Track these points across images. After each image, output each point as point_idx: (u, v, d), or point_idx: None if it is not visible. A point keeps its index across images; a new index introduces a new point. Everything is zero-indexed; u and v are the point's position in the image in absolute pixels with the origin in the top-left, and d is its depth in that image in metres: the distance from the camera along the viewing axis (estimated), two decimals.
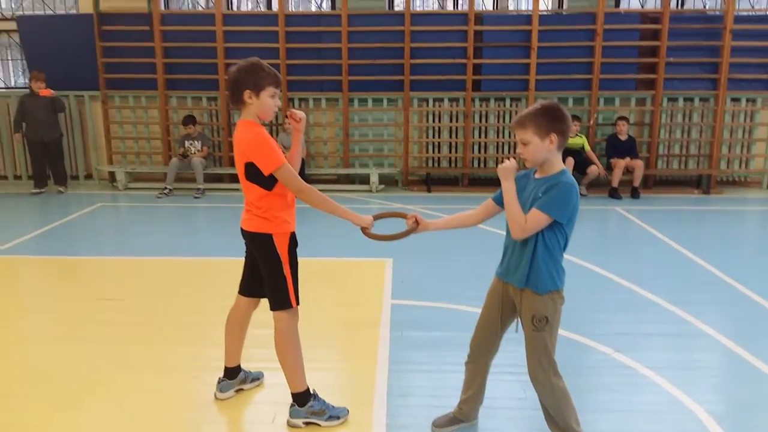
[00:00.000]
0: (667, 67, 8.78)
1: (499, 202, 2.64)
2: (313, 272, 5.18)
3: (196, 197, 8.47)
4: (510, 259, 2.60)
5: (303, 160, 8.89)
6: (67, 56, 9.17)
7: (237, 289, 3.11)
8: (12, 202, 8.38)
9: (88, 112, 9.51)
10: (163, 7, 9.29)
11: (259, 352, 3.52)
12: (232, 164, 9.37)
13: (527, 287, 2.53)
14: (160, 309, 4.46)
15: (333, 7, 9.43)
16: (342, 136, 9.20)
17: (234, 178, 9.29)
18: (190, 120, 8.84)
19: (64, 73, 9.11)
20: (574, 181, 2.47)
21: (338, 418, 2.93)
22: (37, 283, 5.29)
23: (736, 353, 3.76)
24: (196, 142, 8.88)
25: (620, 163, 8.46)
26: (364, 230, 2.86)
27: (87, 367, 3.56)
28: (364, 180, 9.07)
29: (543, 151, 2.43)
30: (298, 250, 2.92)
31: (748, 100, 9.06)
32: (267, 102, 2.73)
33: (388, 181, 9.27)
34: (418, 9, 9.51)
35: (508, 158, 2.63)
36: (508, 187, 2.50)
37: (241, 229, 2.89)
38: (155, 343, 3.89)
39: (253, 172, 2.71)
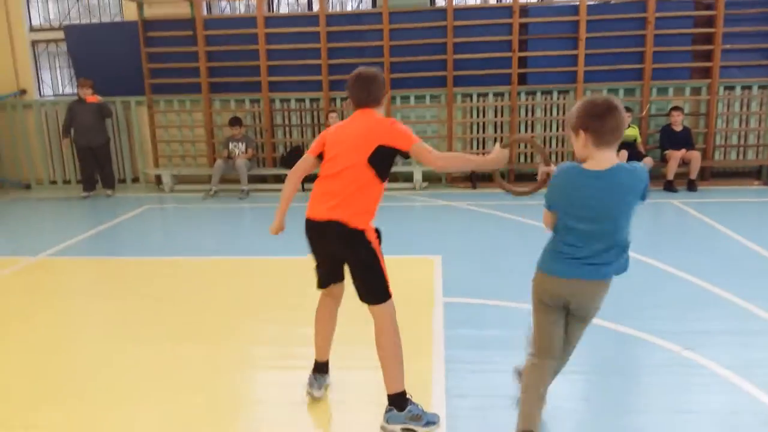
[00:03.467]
0: (724, 54, 8.39)
1: None
2: None
3: (240, 198, 8.48)
4: None
5: None
6: (113, 63, 9.33)
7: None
8: (63, 206, 8.54)
9: (134, 117, 9.65)
10: (205, 12, 9.36)
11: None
12: (275, 165, 9.36)
13: None
14: (208, 308, 4.42)
15: (374, 5, 9.34)
16: None
17: (278, 179, 9.28)
18: (236, 121, 8.87)
19: (111, 80, 9.27)
20: (561, 167, 2.45)
21: (434, 423, 2.78)
22: (86, 283, 5.33)
23: None
24: (240, 144, 8.89)
25: (675, 155, 8.10)
26: (499, 182, 2.95)
27: (140, 365, 3.52)
28: (408, 178, 8.93)
29: (576, 147, 2.41)
30: None
31: None
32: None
33: (431, 178, 9.10)
34: (460, 3, 9.33)
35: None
36: None
37: (323, 222, 2.76)
38: (203, 341, 3.84)
39: (382, 155, 2.72)
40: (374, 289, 2.77)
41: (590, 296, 2.46)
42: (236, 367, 3.49)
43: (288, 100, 9.32)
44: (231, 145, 8.89)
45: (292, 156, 9.07)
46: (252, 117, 9.46)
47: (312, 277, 3.01)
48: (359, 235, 2.72)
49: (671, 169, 8.10)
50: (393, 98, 9.00)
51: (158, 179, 9.41)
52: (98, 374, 3.45)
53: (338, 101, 9.16)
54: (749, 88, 8.66)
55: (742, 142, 8.86)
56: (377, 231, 2.81)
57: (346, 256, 2.80)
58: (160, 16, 9.20)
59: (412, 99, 9.05)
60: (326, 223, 2.74)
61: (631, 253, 2.44)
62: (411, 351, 3.56)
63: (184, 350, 3.72)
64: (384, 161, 2.74)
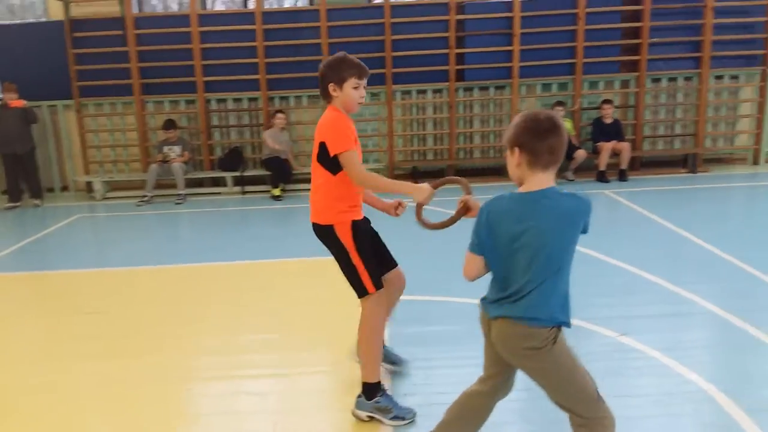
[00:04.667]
0: (650, 47, 8.72)
1: None
2: (304, 272, 5.05)
3: (177, 203, 8.26)
4: None
5: (287, 159, 8.66)
6: (38, 65, 8.93)
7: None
8: None
9: (62, 121, 9.25)
10: (136, 10, 9.06)
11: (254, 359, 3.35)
12: (213, 168, 9.16)
13: None
14: (146, 320, 4.28)
15: (311, 2, 9.26)
16: None
17: (216, 182, 9.09)
18: (170, 125, 8.64)
19: (36, 83, 8.85)
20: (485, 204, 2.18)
21: (403, 419, 2.83)
22: (15, 301, 5.03)
23: (740, 328, 3.66)
24: (175, 147, 8.66)
25: (606, 147, 8.38)
26: (419, 214, 2.72)
27: (72, 386, 3.37)
28: None
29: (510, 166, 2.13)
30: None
31: (731, 77, 9.04)
32: (350, 93, 2.77)
33: None
34: (397, 0, 9.33)
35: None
36: None
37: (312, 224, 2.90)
38: (143, 355, 3.71)
39: (323, 153, 2.74)
40: (351, 283, 2.84)
41: None
42: (178, 379, 3.38)
43: (225, 101, 9.14)
44: (165, 149, 8.65)
45: (231, 158, 8.91)
46: (187, 119, 9.23)
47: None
48: (328, 230, 2.80)
49: (603, 161, 8.37)
50: None
51: (89, 187, 9.05)
52: (36, 393, 3.28)
53: (277, 100, 9.04)
54: (674, 79, 9.03)
55: (669, 132, 9.24)
56: (354, 224, 2.80)
57: (330, 252, 2.87)
58: (88, 14, 8.85)
59: None
60: (312, 225, 2.88)
61: None
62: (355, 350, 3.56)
63: (124, 365, 3.58)
64: (329, 157, 2.72)
